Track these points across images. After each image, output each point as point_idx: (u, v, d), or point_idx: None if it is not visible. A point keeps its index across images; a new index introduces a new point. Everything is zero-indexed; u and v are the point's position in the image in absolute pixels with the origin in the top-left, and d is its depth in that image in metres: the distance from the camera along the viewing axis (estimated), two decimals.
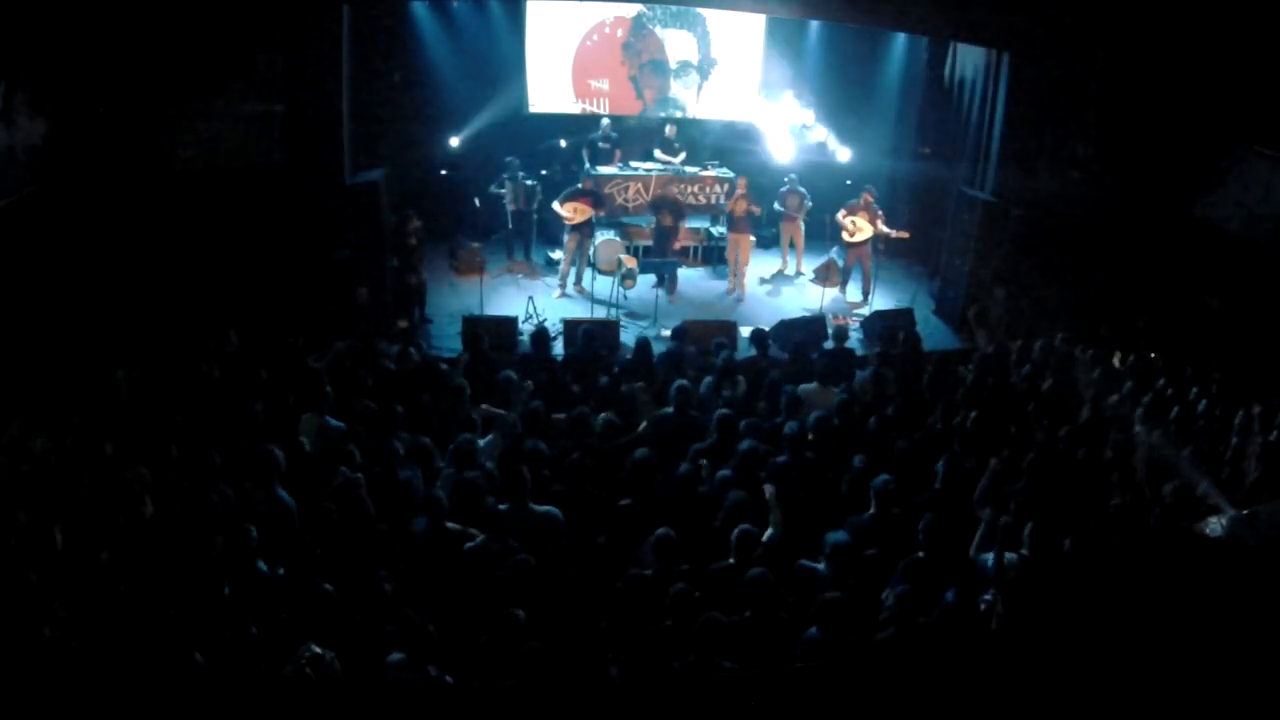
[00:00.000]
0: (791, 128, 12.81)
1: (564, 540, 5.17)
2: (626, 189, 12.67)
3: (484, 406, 6.55)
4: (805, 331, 9.65)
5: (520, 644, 4.10)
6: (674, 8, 13.10)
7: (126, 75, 8.49)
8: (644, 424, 6.58)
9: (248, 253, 9.00)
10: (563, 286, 11.34)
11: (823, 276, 11.98)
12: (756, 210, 11.56)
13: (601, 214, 11.50)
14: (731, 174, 12.94)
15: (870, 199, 11.41)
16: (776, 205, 12.08)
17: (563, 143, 12.95)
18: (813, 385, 7.25)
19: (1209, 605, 4.12)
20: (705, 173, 12.88)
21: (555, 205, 11.23)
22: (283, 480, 5.32)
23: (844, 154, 12.59)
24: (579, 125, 13.19)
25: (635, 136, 13.32)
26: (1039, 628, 4.36)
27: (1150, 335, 9.24)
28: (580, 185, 11.42)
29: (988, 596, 4.65)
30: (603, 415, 6.40)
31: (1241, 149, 9.82)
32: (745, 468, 5.74)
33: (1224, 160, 10.07)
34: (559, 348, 9.20)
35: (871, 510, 5.42)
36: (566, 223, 11.20)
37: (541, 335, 8.21)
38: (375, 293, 9.60)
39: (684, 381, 6.92)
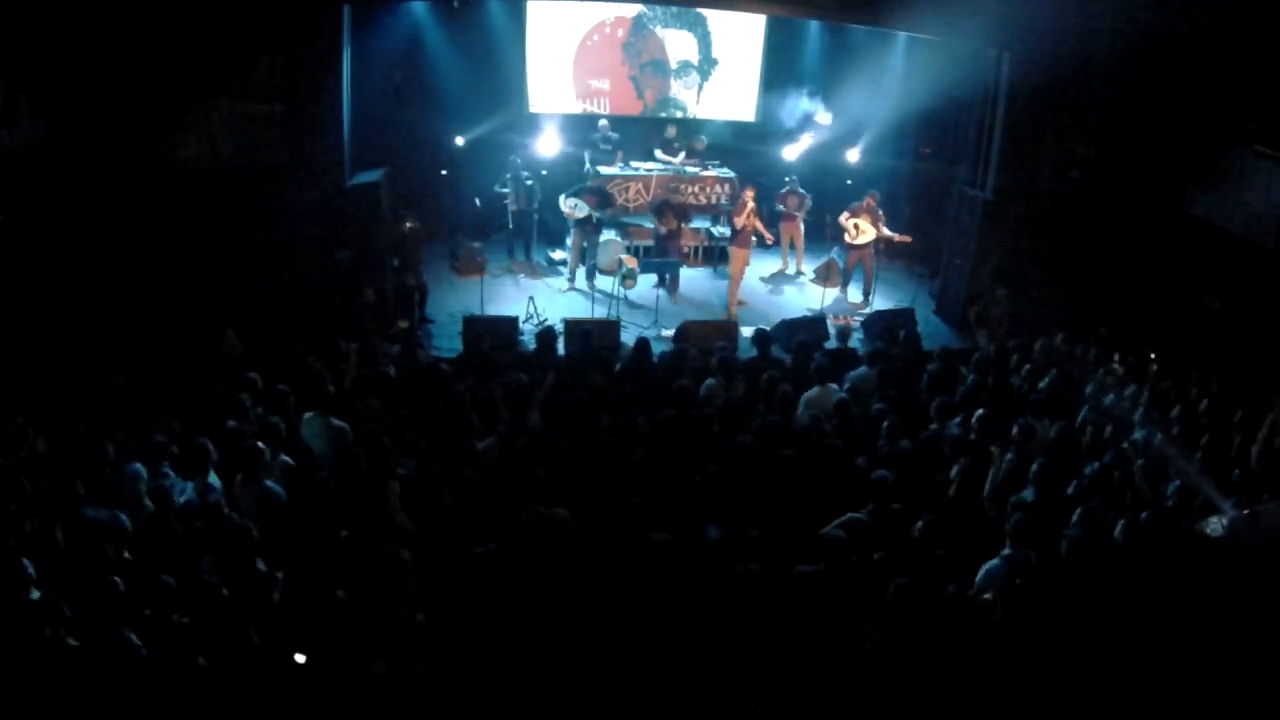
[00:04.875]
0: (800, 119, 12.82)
1: (571, 543, 5.16)
2: (627, 189, 12.68)
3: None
4: (807, 332, 9.65)
5: (526, 644, 4.10)
6: (674, 8, 13.10)
7: (126, 75, 8.49)
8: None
9: (248, 253, 9.00)
10: (571, 281, 11.44)
11: (823, 276, 11.98)
12: (768, 237, 11.29)
13: (599, 213, 11.48)
14: (732, 174, 12.96)
15: (873, 202, 11.40)
16: (777, 205, 12.08)
17: (551, 145, 12.78)
18: (815, 390, 7.23)
19: (1209, 605, 4.12)
20: (706, 173, 12.89)
21: (560, 200, 11.33)
22: (275, 476, 5.33)
23: (853, 155, 12.66)
24: (580, 125, 13.21)
25: (636, 136, 13.32)
26: (1039, 627, 4.36)
27: (1150, 335, 9.24)
28: (589, 184, 11.42)
29: (988, 595, 4.65)
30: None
31: (1241, 149, 9.82)
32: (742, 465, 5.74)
33: (1223, 160, 10.07)
34: (559, 347, 9.20)
35: (870, 506, 5.42)
36: (566, 217, 11.24)
37: (549, 335, 8.22)
38: (376, 293, 9.61)
39: (684, 381, 6.92)
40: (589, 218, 11.16)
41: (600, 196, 11.35)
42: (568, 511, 5.31)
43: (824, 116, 12.95)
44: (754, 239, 11.01)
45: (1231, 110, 9.87)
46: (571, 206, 11.19)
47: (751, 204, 10.84)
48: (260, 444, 5.41)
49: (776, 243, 12.47)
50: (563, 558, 5.04)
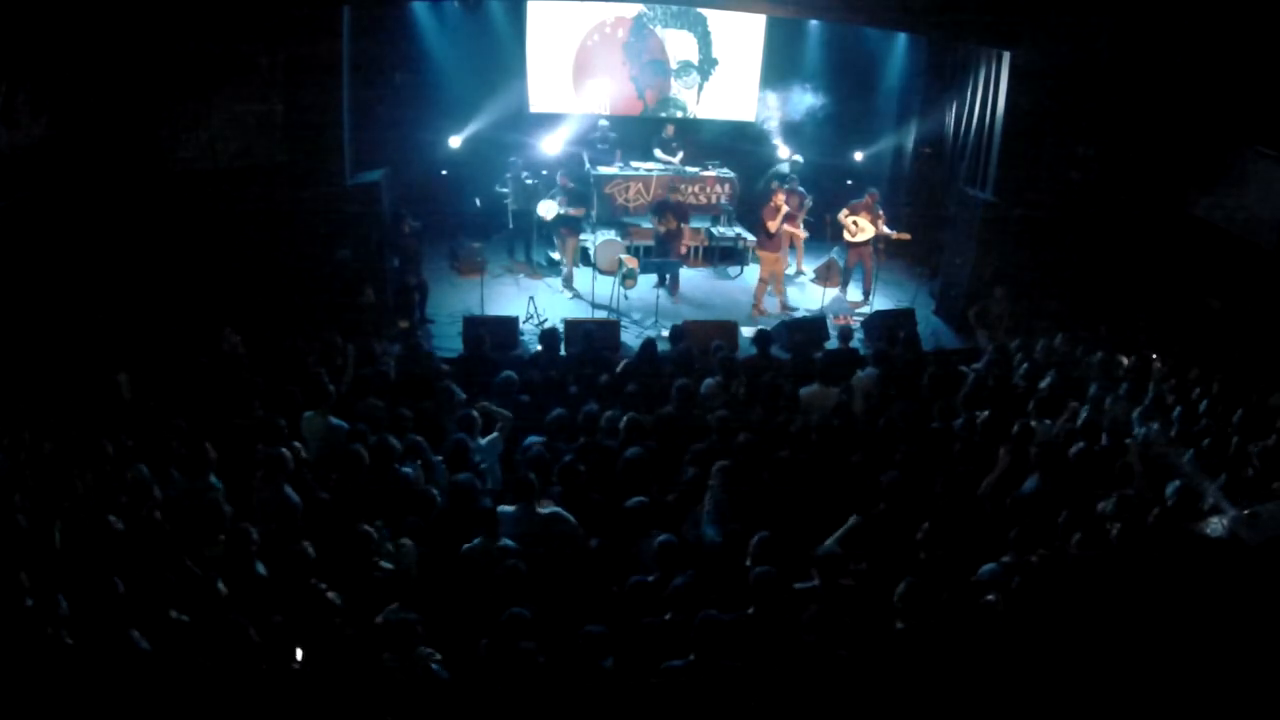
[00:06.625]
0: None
1: (569, 541, 5.17)
2: (627, 189, 12.69)
3: (484, 404, 6.54)
4: (807, 331, 9.66)
5: (518, 644, 4.10)
6: (674, 8, 13.11)
7: (126, 75, 8.49)
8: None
9: (248, 253, 9.00)
10: (567, 286, 11.40)
11: (823, 276, 11.98)
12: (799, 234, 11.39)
13: (579, 213, 11.40)
14: (732, 174, 12.98)
15: (873, 200, 11.40)
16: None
17: (551, 145, 12.83)
18: (814, 386, 7.26)
19: (1209, 605, 4.12)
20: (706, 173, 12.90)
21: (539, 204, 11.34)
22: (290, 480, 5.33)
23: (857, 155, 12.72)
24: (579, 125, 13.20)
25: (636, 137, 13.32)
26: (1040, 627, 4.36)
27: (1150, 335, 9.24)
28: (560, 185, 11.30)
29: (990, 596, 4.65)
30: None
31: (1241, 149, 9.82)
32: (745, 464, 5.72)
33: (1224, 160, 10.07)
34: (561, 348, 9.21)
35: (881, 506, 5.41)
36: (543, 220, 11.29)
37: (552, 335, 8.24)
38: (377, 293, 9.61)
39: (685, 381, 6.92)
40: (563, 218, 11.13)
41: (571, 195, 11.25)
42: (563, 509, 5.31)
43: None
44: (782, 244, 10.99)
45: (1232, 110, 9.87)
46: (546, 210, 11.19)
47: (785, 208, 10.81)
48: (283, 449, 5.40)
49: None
50: (559, 555, 5.04)
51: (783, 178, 12.18)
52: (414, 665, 4.07)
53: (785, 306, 11.15)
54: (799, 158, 12.92)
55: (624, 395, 6.89)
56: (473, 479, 5.47)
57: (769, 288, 11.15)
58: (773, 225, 10.75)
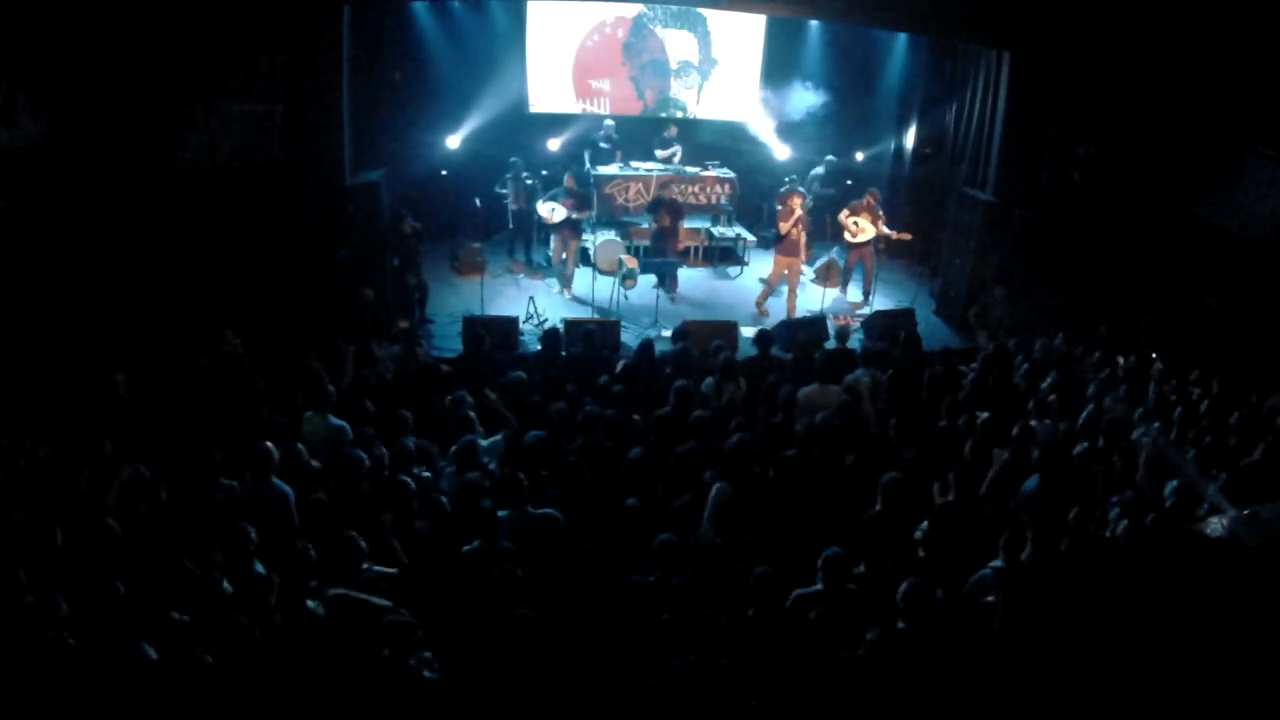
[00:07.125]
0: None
1: (564, 542, 5.16)
2: (627, 189, 12.69)
3: (491, 398, 6.52)
4: (807, 332, 9.65)
5: (523, 643, 4.10)
6: (674, 8, 13.11)
7: (126, 75, 8.49)
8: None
9: (247, 254, 9.00)
10: (567, 288, 11.38)
11: (823, 276, 11.98)
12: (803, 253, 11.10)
13: (584, 216, 11.37)
14: (732, 174, 12.97)
15: (873, 200, 11.39)
16: (778, 205, 12.07)
17: (552, 145, 12.89)
18: (813, 386, 7.26)
19: (1209, 605, 4.12)
20: (705, 173, 12.89)
21: (539, 205, 11.32)
22: (279, 473, 5.32)
23: (858, 155, 12.74)
24: (579, 125, 13.21)
25: (636, 136, 13.33)
26: (1040, 628, 4.36)
27: (1150, 335, 9.24)
28: (564, 185, 11.26)
29: (990, 597, 4.65)
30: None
31: (1242, 149, 9.82)
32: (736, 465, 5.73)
33: (1225, 160, 10.07)
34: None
35: (878, 507, 5.41)
36: (545, 222, 11.26)
37: (554, 336, 8.24)
38: (377, 293, 9.61)
39: (684, 381, 6.91)
40: (570, 222, 11.12)
41: (578, 200, 11.22)
42: (556, 511, 5.30)
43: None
44: (799, 250, 10.83)
45: (1233, 111, 9.87)
46: (549, 211, 11.16)
47: (799, 211, 10.64)
48: (269, 444, 5.39)
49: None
50: (553, 557, 5.03)
51: (792, 180, 12.17)
52: (410, 668, 4.07)
53: (760, 306, 11.03)
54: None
55: (622, 396, 6.89)
56: (481, 478, 5.46)
57: (774, 290, 11.07)
58: (783, 226, 10.70)
